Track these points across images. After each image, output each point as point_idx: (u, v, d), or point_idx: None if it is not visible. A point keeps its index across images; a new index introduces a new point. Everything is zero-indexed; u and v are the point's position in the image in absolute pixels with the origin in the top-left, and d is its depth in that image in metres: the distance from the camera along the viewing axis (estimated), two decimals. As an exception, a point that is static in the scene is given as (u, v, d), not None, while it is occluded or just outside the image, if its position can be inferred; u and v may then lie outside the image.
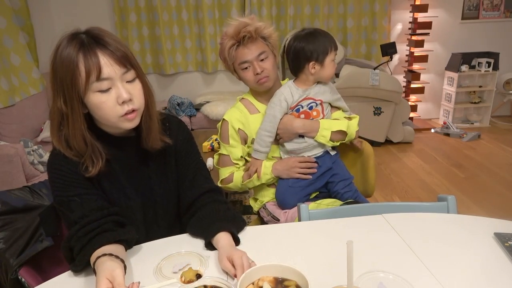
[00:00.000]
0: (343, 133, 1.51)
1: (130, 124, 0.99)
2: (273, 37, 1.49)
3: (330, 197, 1.55)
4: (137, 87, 0.98)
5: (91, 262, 0.90)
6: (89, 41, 0.92)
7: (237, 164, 1.58)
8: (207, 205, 1.11)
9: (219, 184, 1.59)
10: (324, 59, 1.44)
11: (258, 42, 1.45)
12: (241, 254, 0.90)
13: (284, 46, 3.56)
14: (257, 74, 1.44)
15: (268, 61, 1.46)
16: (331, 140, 1.49)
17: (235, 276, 0.86)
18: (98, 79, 0.91)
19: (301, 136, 1.50)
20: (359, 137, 1.66)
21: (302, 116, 1.51)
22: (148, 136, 1.06)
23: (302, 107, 1.50)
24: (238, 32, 1.42)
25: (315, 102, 1.50)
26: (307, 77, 1.49)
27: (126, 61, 0.95)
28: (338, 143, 1.54)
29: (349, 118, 1.57)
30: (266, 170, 1.52)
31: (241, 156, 1.57)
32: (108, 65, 0.92)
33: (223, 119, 1.57)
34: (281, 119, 1.49)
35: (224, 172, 1.59)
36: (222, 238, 0.99)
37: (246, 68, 1.46)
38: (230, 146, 1.56)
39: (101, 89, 0.93)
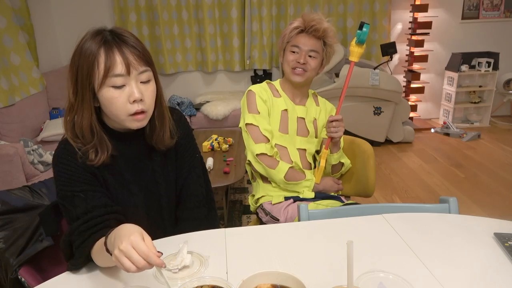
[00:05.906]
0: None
1: (138, 124, 1.00)
2: (331, 50, 1.55)
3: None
4: (150, 89, 1.00)
5: (100, 244, 0.88)
6: (112, 38, 0.95)
7: (267, 138, 1.54)
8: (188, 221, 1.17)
9: (253, 159, 1.55)
10: None
11: (318, 42, 1.52)
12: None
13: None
14: (298, 62, 1.51)
15: (314, 61, 1.53)
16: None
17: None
18: (114, 75, 0.93)
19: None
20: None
21: None
22: (163, 134, 1.09)
23: None
24: (309, 21, 1.51)
25: None
26: None
27: (144, 61, 0.97)
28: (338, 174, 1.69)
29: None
30: (309, 183, 1.57)
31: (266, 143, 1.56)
32: (125, 63, 0.94)
33: (249, 90, 1.59)
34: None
35: (258, 148, 1.53)
36: None
37: (294, 52, 1.53)
38: (259, 115, 1.54)
39: (115, 84, 0.94)
